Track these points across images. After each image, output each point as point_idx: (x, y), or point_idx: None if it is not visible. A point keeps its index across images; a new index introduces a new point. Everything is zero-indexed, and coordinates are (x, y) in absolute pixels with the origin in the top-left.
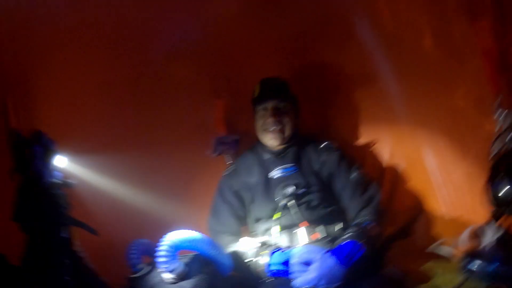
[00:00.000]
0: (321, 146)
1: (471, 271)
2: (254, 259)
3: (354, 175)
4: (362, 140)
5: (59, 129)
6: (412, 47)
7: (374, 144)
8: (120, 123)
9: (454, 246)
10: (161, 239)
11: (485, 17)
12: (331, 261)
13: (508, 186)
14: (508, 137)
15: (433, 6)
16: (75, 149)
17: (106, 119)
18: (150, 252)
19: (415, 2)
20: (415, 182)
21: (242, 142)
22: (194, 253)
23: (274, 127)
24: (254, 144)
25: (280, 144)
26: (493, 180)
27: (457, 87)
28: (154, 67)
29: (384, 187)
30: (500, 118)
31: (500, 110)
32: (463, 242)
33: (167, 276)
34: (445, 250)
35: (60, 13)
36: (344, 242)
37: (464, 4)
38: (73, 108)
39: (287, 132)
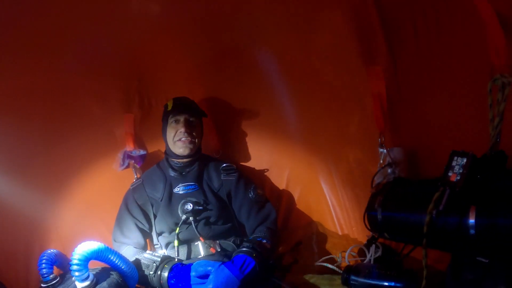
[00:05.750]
0: (222, 166)
1: (351, 284)
2: (156, 272)
3: (251, 194)
4: (262, 164)
5: None
6: (311, 84)
7: (270, 169)
8: (28, 134)
9: (340, 261)
10: (74, 250)
11: (379, 63)
12: (225, 273)
13: (380, 217)
14: (387, 172)
15: (336, 48)
16: None
17: (13, 129)
18: (59, 262)
19: (319, 42)
20: (310, 203)
21: (148, 157)
22: (103, 265)
23: (186, 137)
24: (161, 160)
25: (190, 154)
26: (370, 209)
27: (350, 124)
28: (66, 79)
29: (281, 207)
30: (382, 155)
31: (382, 147)
32: (347, 258)
33: (80, 286)
34: (332, 265)
35: None
36: (238, 255)
37: (364, 49)
38: None
39: (197, 143)
